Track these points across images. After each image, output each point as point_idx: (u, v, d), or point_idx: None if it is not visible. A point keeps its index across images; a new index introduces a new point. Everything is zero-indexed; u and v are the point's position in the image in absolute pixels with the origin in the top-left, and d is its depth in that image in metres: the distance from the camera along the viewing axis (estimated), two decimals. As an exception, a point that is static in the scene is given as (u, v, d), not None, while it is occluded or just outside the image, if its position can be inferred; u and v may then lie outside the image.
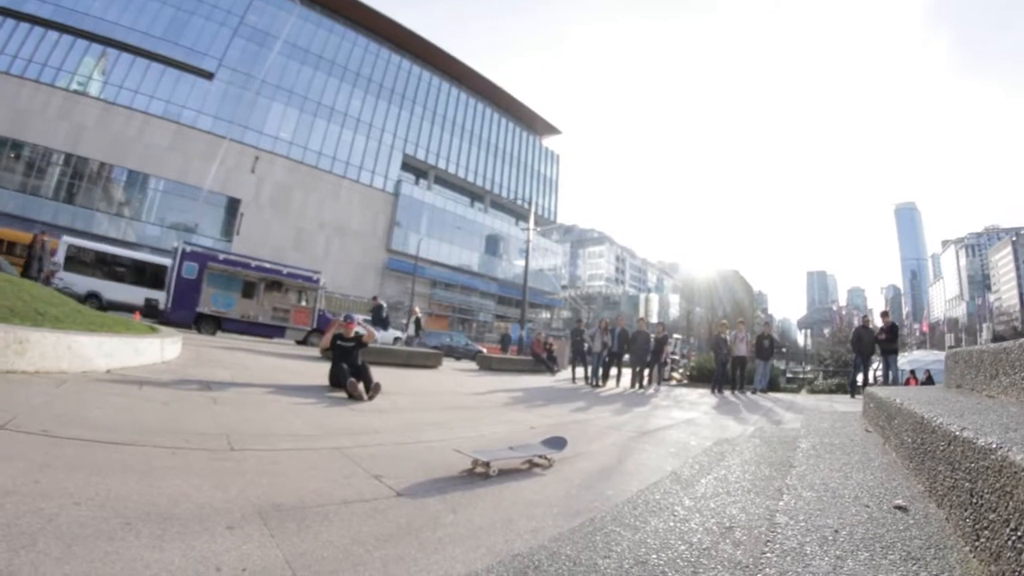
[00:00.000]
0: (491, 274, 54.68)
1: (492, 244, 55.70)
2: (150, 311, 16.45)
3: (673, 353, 16.22)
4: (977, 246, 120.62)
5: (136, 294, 18.66)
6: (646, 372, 13.04)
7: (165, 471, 2.69)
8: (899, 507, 1.86)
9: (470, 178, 54.89)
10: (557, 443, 4.06)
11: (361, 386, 6.49)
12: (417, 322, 17.86)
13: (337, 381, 6.66)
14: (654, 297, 50.72)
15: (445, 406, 6.78)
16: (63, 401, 3.98)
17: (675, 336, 17.62)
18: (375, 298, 18.78)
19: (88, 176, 33.84)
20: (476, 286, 52.86)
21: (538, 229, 35.15)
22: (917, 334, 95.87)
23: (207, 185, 36.54)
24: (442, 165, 52.30)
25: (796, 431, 4.67)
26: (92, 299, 17.41)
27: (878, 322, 11.90)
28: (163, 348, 7.02)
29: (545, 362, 16.81)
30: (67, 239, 19.44)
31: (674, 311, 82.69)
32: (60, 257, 17.73)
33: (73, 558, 1.67)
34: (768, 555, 1.59)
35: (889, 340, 10.50)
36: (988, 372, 2.20)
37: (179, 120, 36.68)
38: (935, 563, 1.39)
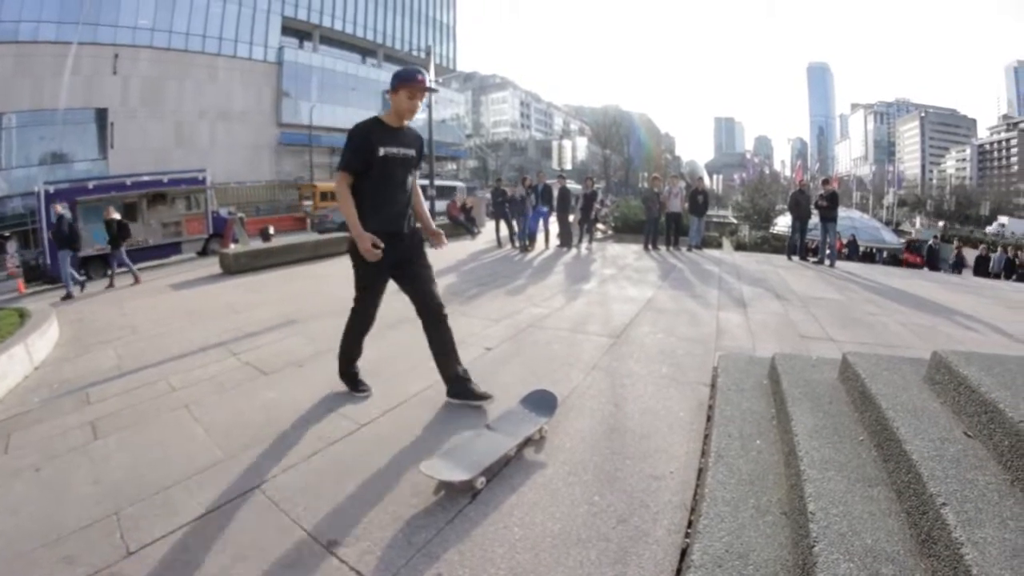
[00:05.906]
0: (392, 131, 50.49)
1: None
2: (31, 272, 14.92)
3: (601, 203, 15.98)
4: (886, 114, 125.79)
5: None
6: (574, 231, 12.62)
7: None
8: None
9: (359, 33, 48.18)
10: (545, 403, 3.12)
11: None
12: (111, 227, 10.70)
13: None
14: (567, 144, 48.87)
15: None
16: None
17: (598, 185, 17.31)
18: (55, 206, 10.96)
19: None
20: (377, 147, 48.92)
21: (439, 80, 32.06)
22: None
23: (63, 103, 29.81)
24: (327, 23, 45.21)
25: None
26: None
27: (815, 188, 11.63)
28: (30, 350, 5.02)
29: (464, 224, 16.19)
30: None
31: (580, 154, 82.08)
32: None
33: None
34: None
35: (829, 208, 10.23)
36: None
37: (17, 39, 28.46)
38: None
